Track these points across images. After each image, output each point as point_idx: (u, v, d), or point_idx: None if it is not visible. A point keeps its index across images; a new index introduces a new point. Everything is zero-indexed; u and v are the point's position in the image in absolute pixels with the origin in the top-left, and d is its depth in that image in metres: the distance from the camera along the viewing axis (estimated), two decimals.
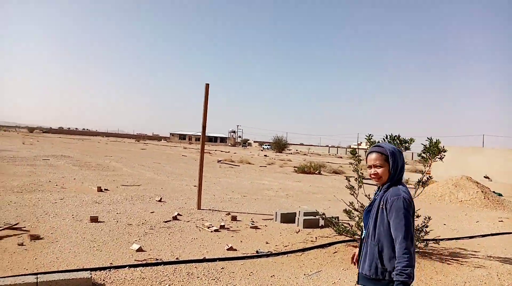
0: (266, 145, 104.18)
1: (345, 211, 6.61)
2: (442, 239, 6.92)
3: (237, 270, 4.69)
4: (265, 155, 50.32)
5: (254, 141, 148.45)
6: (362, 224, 2.65)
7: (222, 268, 4.70)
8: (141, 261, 4.78)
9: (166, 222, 7.12)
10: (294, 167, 27.08)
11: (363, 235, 2.52)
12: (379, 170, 2.40)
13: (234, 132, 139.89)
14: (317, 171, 23.52)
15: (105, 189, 10.63)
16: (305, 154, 74.74)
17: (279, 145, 78.56)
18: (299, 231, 7.15)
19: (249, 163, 28.66)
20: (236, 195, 11.53)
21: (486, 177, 22.29)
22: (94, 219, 6.70)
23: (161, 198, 9.50)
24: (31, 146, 30.26)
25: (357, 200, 6.34)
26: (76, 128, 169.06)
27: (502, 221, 9.91)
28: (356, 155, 6.53)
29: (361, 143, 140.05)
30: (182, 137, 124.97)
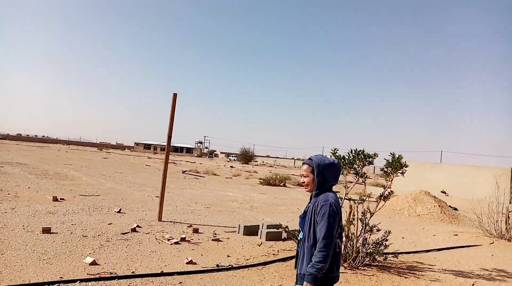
0: (232, 156, 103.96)
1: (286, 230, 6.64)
2: (400, 253, 7.07)
3: (195, 285, 4.55)
4: (231, 166, 50.15)
5: (221, 152, 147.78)
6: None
7: (180, 282, 4.55)
8: (94, 275, 4.55)
9: (124, 234, 6.85)
10: (260, 179, 27.10)
11: (300, 238, 2.78)
12: (306, 179, 2.75)
13: (201, 142, 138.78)
14: (282, 183, 23.64)
15: (61, 199, 10.15)
16: (271, 166, 75.17)
17: (246, 157, 78.70)
18: (261, 244, 7.09)
19: (215, 174, 28.41)
20: (199, 207, 11.34)
21: (443, 192, 23.20)
22: (46, 230, 6.34)
23: (120, 209, 9.18)
24: None
25: None
26: (36, 135, 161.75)
27: (456, 235, 10.29)
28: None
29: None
30: (147, 146, 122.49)
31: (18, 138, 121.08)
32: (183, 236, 6.91)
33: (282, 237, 7.68)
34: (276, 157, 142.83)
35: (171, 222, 8.51)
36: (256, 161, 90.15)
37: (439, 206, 13.78)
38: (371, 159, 6.08)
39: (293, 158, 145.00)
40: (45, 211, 8.22)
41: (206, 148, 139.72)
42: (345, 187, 6.24)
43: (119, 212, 9.04)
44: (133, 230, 7.15)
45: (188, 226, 8.11)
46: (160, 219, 8.49)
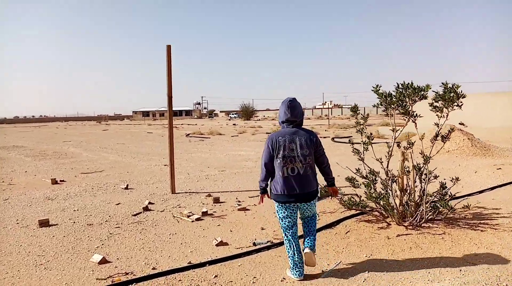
0: (233, 114, 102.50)
1: (348, 179, 5.61)
2: (456, 198, 6.08)
3: (235, 276, 3.59)
4: (234, 124, 49.09)
5: (220, 111, 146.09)
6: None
7: (216, 276, 3.58)
8: (104, 279, 3.58)
9: (135, 215, 5.88)
10: (267, 133, 26.10)
11: None
12: None
13: (199, 104, 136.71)
14: None
15: (61, 181, 9.16)
16: (273, 119, 73.94)
17: (247, 113, 77.34)
18: None
19: (220, 134, 27.39)
20: (213, 171, 10.36)
21: (461, 123, 22.12)
22: (44, 223, 5.36)
23: (127, 185, 8.18)
24: None
25: (365, 165, 5.33)
26: (33, 116, 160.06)
27: (500, 168, 9.31)
28: (358, 112, 5.46)
29: (325, 102, 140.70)
30: (146, 114, 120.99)
31: (16, 120, 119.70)
32: (204, 209, 5.92)
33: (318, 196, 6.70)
34: (277, 109, 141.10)
35: (187, 193, 7.54)
36: (257, 116, 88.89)
37: (468, 139, 12.75)
38: (423, 92, 4.91)
39: None
40: (43, 198, 7.23)
41: (205, 108, 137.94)
42: (393, 130, 5.15)
43: (126, 188, 8.06)
44: (146, 208, 6.16)
45: (206, 196, 7.13)
46: (173, 191, 7.51)
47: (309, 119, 73.22)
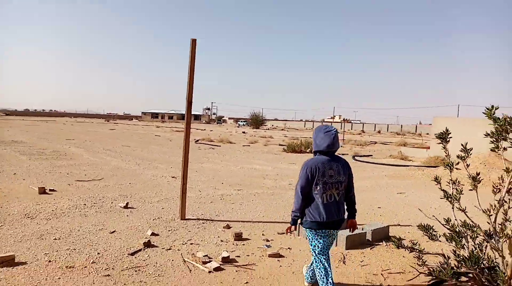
0: (241, 121, 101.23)
1: (423, 227, 4.12)
2: None
3: None
4: (243, 132, 47.69)
5: (229, 118, 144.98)
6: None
7: None
8: None
9: (133, 254, 4.42)
10: (281, 145, 24.64)
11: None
12: None
13: (208, 109, 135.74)
14: (309, 149, 21.12)
15: (50, 190, 7.76)
16: (282, 130, 72.52)
17: (256, 121, 75.93)
18: (343, 258, 4.62)
19: (230, 142, 25.99)
20: (228, 189, 8.90)
21: (492, 150, 20.48)
22: (6, 261, 3.93)
23: (127, 203, 6.74)
24: None
25: (454, 214, 3.85)
26: (43, 110, 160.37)
27: None
28: (446, 138, 3.99)
29: (334, 116, 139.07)
30: (155, 115, 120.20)
31: (25, 113, 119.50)
32: (224, 251, 4.47)
33: (367, 239, 5.22)
34: (285, 120, 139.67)
35: (199, 220, 6.08)
36: (265, 125, 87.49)
37: None
38: None
39: (301, 120, 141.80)
40: (22, 215, 5.81)
41: (214, 114, 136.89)
42: (507, 171, 3.67)
43: (126, 207, 6.62)
44: (147, 244, 4.70)
45: (224, 227, 5.67)
46: (183, 217, 6.06)
47: None
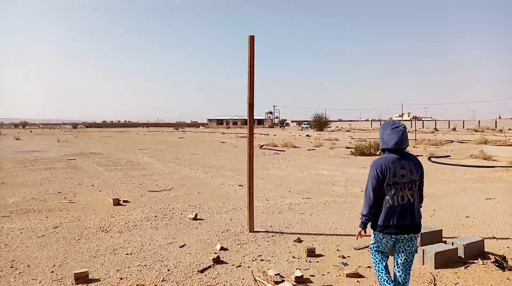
0: (304, 124, 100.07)
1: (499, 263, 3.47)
2: None
3: None
4: (307, 135, 46.97)
5: (292, 121, 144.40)
6: None
7: None
8: None
9: (202, 271, 4.28)
10: (348, 148, 23.74)
11: None
12: None
13: (271, 113, 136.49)
14: (379, 151, 20.05)
15: (124, 201, 8.02)
16: (348, 131, 70.46)
17: (320, 123, 74.50)
18: (434, 279, 4.07)
19: (295, 147, 25.62)
20: (296, 198, 8.58)
21: None
22: (81, 278, 3.97)
23: (196, 215, 6.70)
24: (65, 143, 28.83)
25: None
26: (118, 121, 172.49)
27: None
28: None
29: (403, 114, 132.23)
30: (220, 122, 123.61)
31: (103, 125, 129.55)
32: (297, 270, 4.15)
33: (459, 256, 4.59)
34: (350, 120, 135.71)
35: (268, 232, 5.83)
36: (329, 127, 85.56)
37: None
38: None
39: (367, 120, 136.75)
40: (97, 228, 5.99)
41: (277, 117, 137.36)
42: None
43: (195, 218, 6.59)
44: (217, 260, 4.54)
45: (295, 241, 5.35)
46: (251, 229, 5.86)
47: None
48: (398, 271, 3.10)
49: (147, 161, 16.57)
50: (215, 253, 4.77)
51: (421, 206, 3.14)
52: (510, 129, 61.85)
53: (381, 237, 3.06)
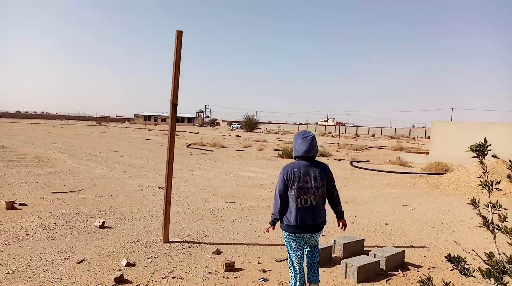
0: (235, 124, 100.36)
1: (453, 259, 3.38)
2: None
3: None
4: (237, 136, 46.90)
5: (222, 121, 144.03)
6: None
7: None
8: None
9: None
10: (275, 150, 23.89)
11: None
12: None
13: (202, 111, 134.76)
14: None
15: (20, 204, 6.93)
16: (276, 133, 71.82)
17: (250, 125, 75.11)
18: None
19: (224, 147, 25.20)
20: (219, 202, 8.12)
21: (494, 156, 19.90)
22: None
23: (103, 222, 5.92)
24: None
25: (497, 247, 3.11)
26: (35, 112, 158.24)
27: None
28: (484, 151, 3.25)
29: (328, 119, 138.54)
30: (147, 118, 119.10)
31: (16, 115, 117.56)
32: None
33: (381, 268, 4.46)
34: (279, 123, 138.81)
35: (185, 242, 5.29)
36: (259, 128, 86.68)
37: None
38: None
39: (295, 123, 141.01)
40: None
41: (208, 117, 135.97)
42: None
43: (102, 226, 5.81)
44: (119, 280, 3.90)
45: (214, 253, 4.89)
46: (166, 239, 5.27)
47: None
48: (307, 260, 3.53)
49: (59, 157, 15.01)
50: (119, 270, 4.13)
51: (339, 205, 3.55)
52: (421, 137, 67.71)
53: (287, 236, 3.39)
